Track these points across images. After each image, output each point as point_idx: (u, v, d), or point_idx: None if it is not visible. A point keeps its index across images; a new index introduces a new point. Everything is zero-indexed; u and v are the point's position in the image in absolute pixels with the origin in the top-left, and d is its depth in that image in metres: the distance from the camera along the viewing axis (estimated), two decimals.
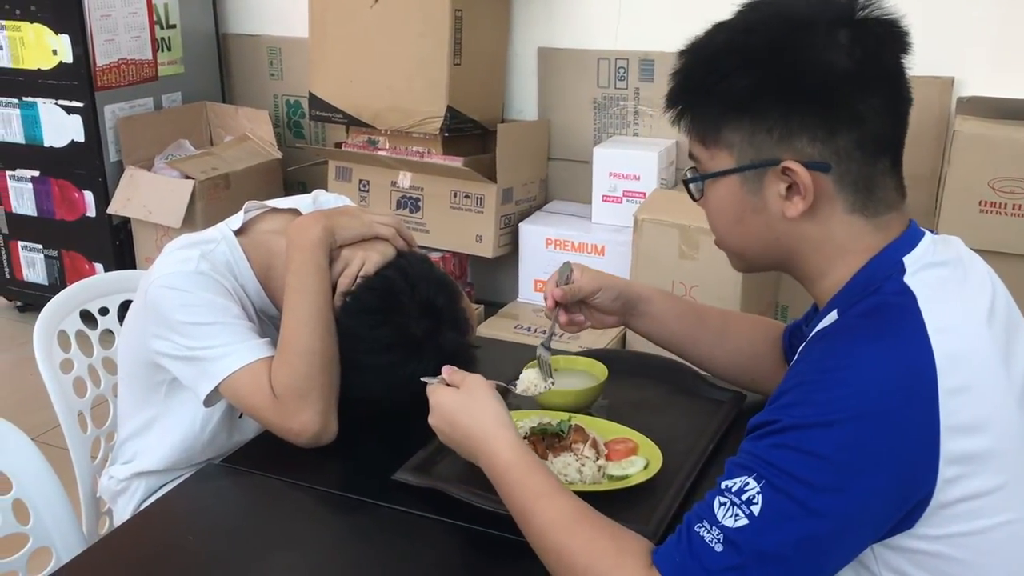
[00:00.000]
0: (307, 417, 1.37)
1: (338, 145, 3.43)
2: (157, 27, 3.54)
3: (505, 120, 3.39)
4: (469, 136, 3.23)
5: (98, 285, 1.84)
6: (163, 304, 1.43)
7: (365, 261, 1.45)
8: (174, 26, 3.62)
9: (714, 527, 0.91)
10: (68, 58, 3.32)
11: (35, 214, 3.63)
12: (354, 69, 3.20)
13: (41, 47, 3.36)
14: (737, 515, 0.90)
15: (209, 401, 1.44)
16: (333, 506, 1.32)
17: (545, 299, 1.41)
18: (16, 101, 3.48)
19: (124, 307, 1.71)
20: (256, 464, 1.39)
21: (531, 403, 1.43)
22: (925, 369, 0.89)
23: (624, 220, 2.95)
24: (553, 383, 1.39)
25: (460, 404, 1.17)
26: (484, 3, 3.16)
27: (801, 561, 0.90)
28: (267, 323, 1.55)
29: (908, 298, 0.94)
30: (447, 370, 1.22)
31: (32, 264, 3.73)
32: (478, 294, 3.48)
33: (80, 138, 3.41)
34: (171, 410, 1.56)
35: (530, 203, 3.31)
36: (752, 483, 0.90)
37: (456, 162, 3.13)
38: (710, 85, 1.01)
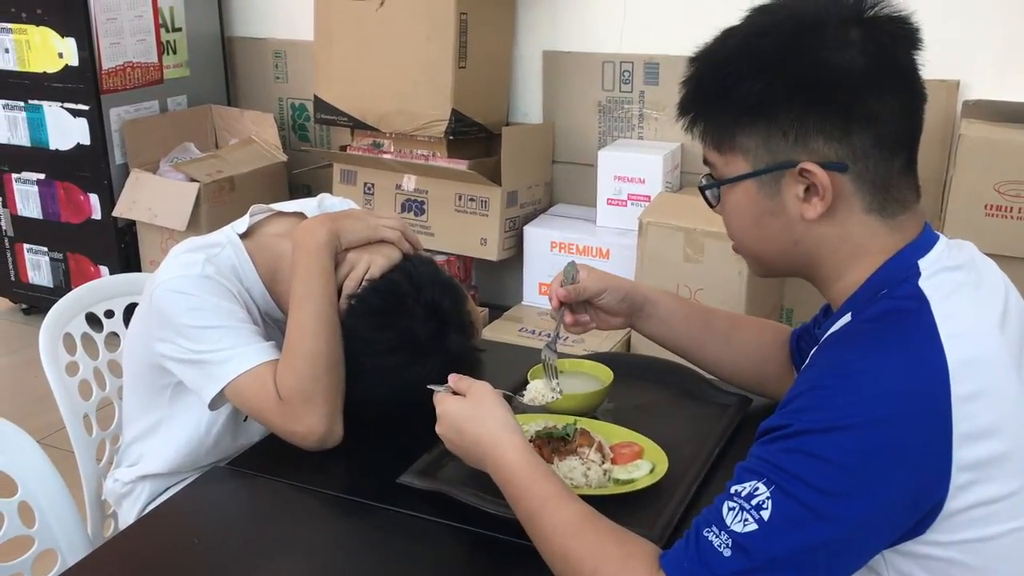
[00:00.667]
0: (312, 420, 1.37)
1: (343, 148, 3.43)
2: (163, 30, 3.55)
3: (510, 123, 3.40)
4: (474, 139, 3.24)
5: (103, 288, 1.84)
6: (168, 308, 1.43)
7: (371, 264, 1.45)
8: (180, 29, 3.63)
9: (723, 532, 0.91)
10: (74, 61, 3.33)
11: (40, 217, 3.63)
12: (359, 72, 3.20)
13: (47, 50, 3.37)
14: (746, 520, 0.90)
15: (214, 405, 1.44)
16: (338, 509, 1.32)
17: (550, 299, 1.40)
18: (22, 104, 3.49)
19: (130, 310, 1.71)
20: (261, 467, 1.39)
21: (537, 406, 1.43)
22: (938, 376, 0.89)
23: (629, 223, 2.95)
24: (560, 393, 1.38)
25: (468, 412, 1.16)
26: (489, 6, 3.16)
27: (810, 567, 0.89)
28: (272, 326, 1.55)
29: (921, 303, 0.94)
30: (453, 378, 1.22)
31: (37, 267, 3.74)
32: (483, 297, 3.48)
33: (86, 141, 3.42)
34: (176, 413, 1.56)
35: (535, 206, 3.31)
36: (762, 488, 0.90)
37: (461, 165, 3.13)
38: (723, 91, 1.00)
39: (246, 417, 1.55)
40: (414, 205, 3.28)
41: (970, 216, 2.47)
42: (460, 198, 3.20)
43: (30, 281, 3.77)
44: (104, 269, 3.58)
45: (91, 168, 3.45)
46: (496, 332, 2.99)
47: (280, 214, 1.60)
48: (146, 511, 1.58)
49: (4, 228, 3.74)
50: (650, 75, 3.18)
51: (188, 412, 1.54)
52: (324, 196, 1.69)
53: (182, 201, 3.28)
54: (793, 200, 1.00)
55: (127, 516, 1.63)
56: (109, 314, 1.82)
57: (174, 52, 3.62)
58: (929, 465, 0.88)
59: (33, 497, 1.40)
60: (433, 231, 3.25)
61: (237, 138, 3.68)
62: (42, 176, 3.57)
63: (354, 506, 1.31)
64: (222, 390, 1.41)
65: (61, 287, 3.62)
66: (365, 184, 3.37)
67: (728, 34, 1.03)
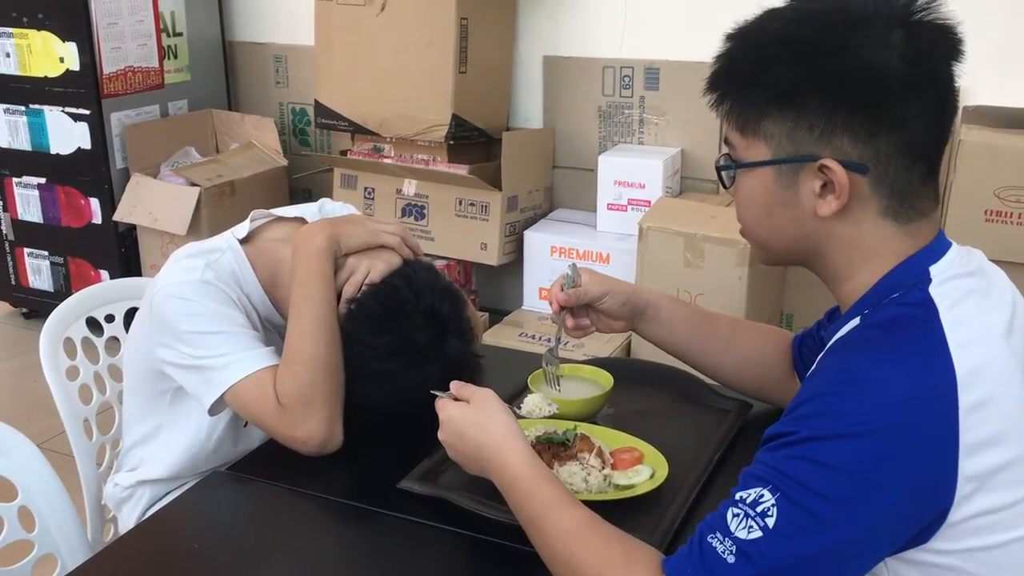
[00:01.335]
0: (312, 425, 1.37)
1: (343, 153, 3.44)
2: (164, 35, 3.55)
3: (510, 128, 3.40)
4: (474, 144, 3.24)
5: (104, 292, 1.84)
6: (168, 313, 1.44)
7: (370, 269, 1.45)
8: (180, 34, 3.63)
9: (727, 538, 0.91)
10: (75, 66, 3.33)
11: (41, 221, 3.63)
12: (360, 77, 3.21)
13: (48, 55, 3.37)
14: (751, 527, 0.89)
15: (214, 410, 1.44)
16: (338, 514, 1.32)
17: (551, 303, 1.40)
18: (23, 108, 3.49)
19: (130, 314, 1.71)
20: (261, 472, 1.39)
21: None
22: (946, 386, 0.88)
23: (629, 228, 2.96)
24: (556, 409, 1.38)
25: (470, 418, 1.16)
26: (490, 11, 3.17)
27: (814, 575, 0.89)
28: (272, 332, 1.55)
29: (929, 310, 0.93)
30: (456, 385, 1.21)
31: (38, 271, 3.74)
32: (483, 302, 3.48)
33: (86, 145, 3.42)
34: (177, 418, 1.56)
35: (535, 211, 3.31)
36: (767, 495, 0.90)
37: (461, 170, 3.14)
38: (755, 74, 0.98)
39: (246, 422, 1.55)
40: (414, 210, 3.28)
41: (970, 222, 2.47)
42: (460, 203, 3.20)
43: (31, 285, 3.77)
44: (104, 273, 3.58)
45: (92, 172, 3.45)
46: (496, 337, 2.99)
47: (280, 219, 1.60)
48: (146, 516, 1.58)
49: (5, 232, 3.74)
50: (650, 80, 3.18)
51: (188, 417, 1.54)
52: (324, 201, 1.69)
53: (182, 205, 3.28)
54: (808, 194, 0.99)
55: (127, 521, 1.63)
56: (109, 318, 1.82)
57: (175, 57, 3.63)
58: (935, 475, 0.88)
59: (33, 502, 1.40)
60: (433, 236, 3.25)
61: (238, 142, 3.68)
62: (43, 180, 3.57)
63: (354, 511, 1.31)
64: (222, 396, 1.41)
65: (61, 291, 3.62)
66: (365, 189, 3.37)
67: (769, 15, 1.00)
